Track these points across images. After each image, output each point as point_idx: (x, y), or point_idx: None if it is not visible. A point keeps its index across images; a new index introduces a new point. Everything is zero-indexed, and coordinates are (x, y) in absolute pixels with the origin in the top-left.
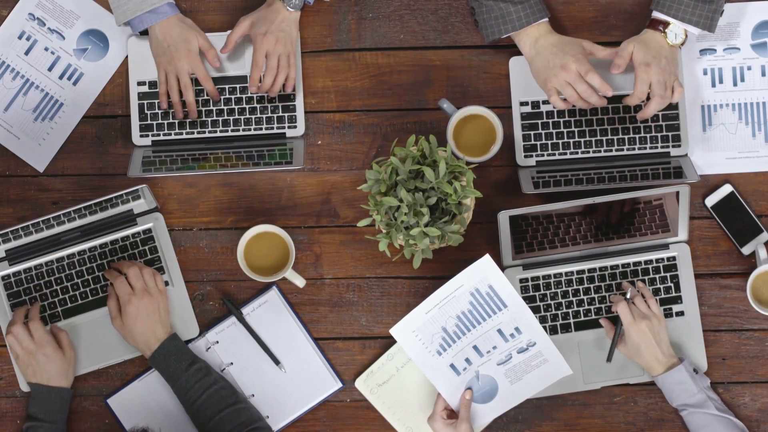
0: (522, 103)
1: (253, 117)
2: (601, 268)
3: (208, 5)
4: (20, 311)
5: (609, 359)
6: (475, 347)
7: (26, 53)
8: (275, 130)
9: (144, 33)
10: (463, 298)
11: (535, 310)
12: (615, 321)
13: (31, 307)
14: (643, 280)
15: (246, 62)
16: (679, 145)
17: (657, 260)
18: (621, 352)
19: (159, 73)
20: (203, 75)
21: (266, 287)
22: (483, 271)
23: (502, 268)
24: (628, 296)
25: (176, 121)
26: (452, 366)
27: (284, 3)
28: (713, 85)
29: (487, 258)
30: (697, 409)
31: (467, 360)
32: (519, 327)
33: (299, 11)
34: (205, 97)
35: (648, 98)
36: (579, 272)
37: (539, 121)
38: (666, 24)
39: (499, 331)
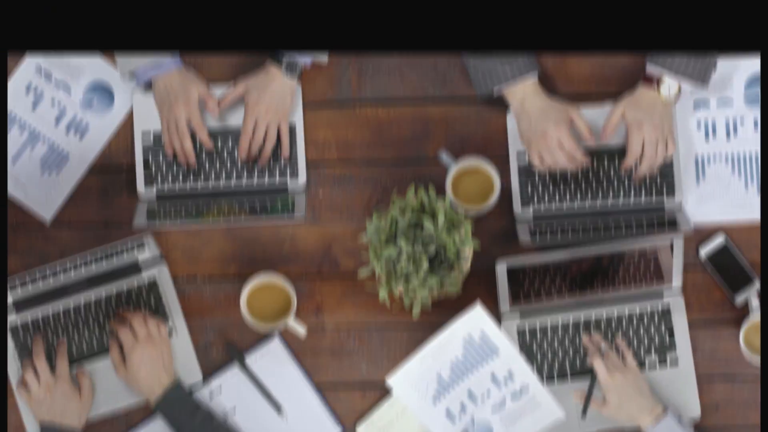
0: (520, 154)
1: (256, 169)
2: (596, 315)
3: (211, 58)
4: (41, 347)
5: (584, 413)
6: (469, 394)
7: (33, 106)
8: (277, 182)
9: (149, 87)
10: (457, 345)
11: (532, 357)
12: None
13: (58, 344)
14: (638, 325)
15: None
16: (674, 196)
17: (651, 308)
18: (605, 414)
19: (161, 122)
20: (198, 123)
21: (269, 336)
22: (475, 321)
23: (500, 316)
24: (602, 347)
25: (180, 173)
26: (448, 413)
27: (281, 69)
28: (706, 138)
29: (478, 308)
30: None
31: (462, 407)
32: (512, 372)
33: (297, 78)
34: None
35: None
36: (575, 320)
37: (536, 172)
38: (660, 80)
39: (493, 376)
